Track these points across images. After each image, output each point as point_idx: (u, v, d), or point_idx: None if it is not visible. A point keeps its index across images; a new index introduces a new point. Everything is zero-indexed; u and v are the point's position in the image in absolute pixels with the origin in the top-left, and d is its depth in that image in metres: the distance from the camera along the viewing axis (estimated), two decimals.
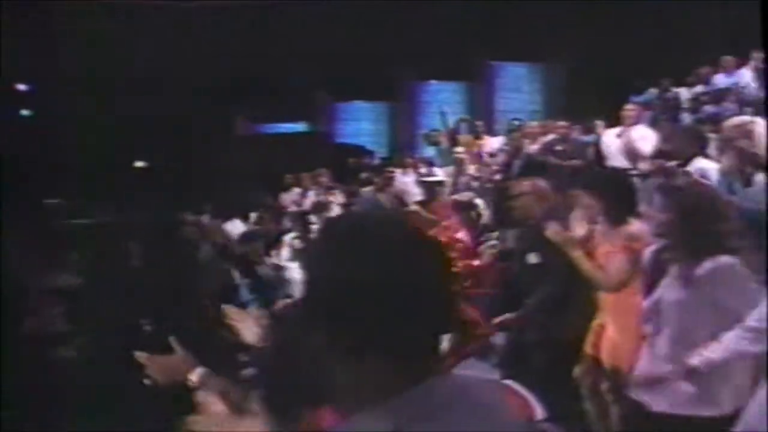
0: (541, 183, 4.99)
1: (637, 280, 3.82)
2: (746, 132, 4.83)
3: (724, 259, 3.04)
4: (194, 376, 2.13)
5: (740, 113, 9.82)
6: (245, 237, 7.05)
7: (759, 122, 4.83)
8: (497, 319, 4.71)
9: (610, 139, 8.12)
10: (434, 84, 16.78)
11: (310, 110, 16.77)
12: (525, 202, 4.87)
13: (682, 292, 3.17)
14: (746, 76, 11.42)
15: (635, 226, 3.98)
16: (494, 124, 15.80)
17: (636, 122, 7.95)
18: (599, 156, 8.22)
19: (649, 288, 3.54)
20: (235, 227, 9.11)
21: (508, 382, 4.23)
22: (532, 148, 8.87)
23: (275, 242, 7.38)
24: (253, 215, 9.21)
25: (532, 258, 4.58)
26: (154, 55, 14.33)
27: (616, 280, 3.86)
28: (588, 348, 4.15)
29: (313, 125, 16.79)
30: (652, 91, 12.78)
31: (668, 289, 3.28)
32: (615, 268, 3.88)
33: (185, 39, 14.42)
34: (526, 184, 5.00)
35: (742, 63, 11.97)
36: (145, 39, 14.41)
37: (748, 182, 4.72)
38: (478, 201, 7.10)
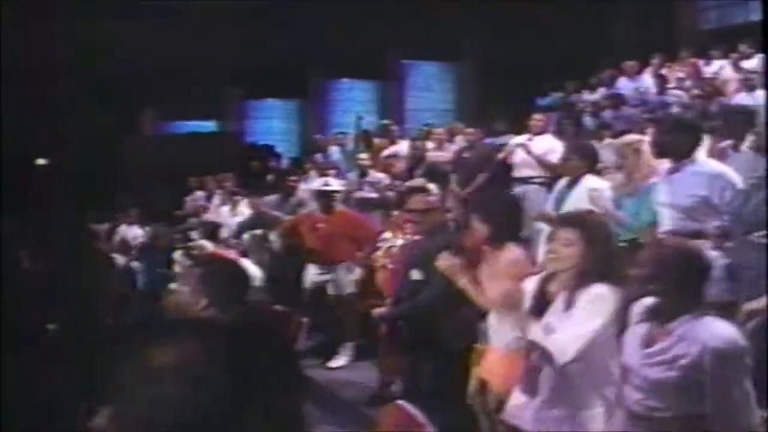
0: (433, 199, 5.04)
1: (521, 305, 3.89)
2: (636, 150, 4.97)
3: (600, 288, 3.12)
4: None
5: (640, 118, 10.11)
6: (141, 250, 6.89)
7: (644, 140, 5.00)
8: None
9: (520, 148, 8.15)
10: (346, 82, 16.74)
11: (220, 108, 16.49)
12: (417, 218, 4.92)
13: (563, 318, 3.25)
14: (647, 81, 11.75)
15: (516, 251, 4.07)
16: (405, 123, 15.93)
17: (542, 131, 8.04)
18: (507, 165, 8.26)
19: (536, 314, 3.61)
20: (133, 233, 8.96)
21: (400, 402, 4.27)
22: (438, 155, 8.91)
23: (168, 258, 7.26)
24: (147, 229, 9.00)
25: (416, 274, 4.64)
26: (55, 46, 13.83)
27: (498, 306, 3.92)
28: (475, 367, 4.22)
29: (222, 123, 16.53)
30: (557, 95, 13.03)
31: (552, 317, 3.34)
32: (496, 293, 3.94)
33: (90, 30, 13.95)
34: (417, 200, 5.04)
35: (644, 67, 12.35)
36: (47, 29, 13.89)
37: (633, 196, 4.92)
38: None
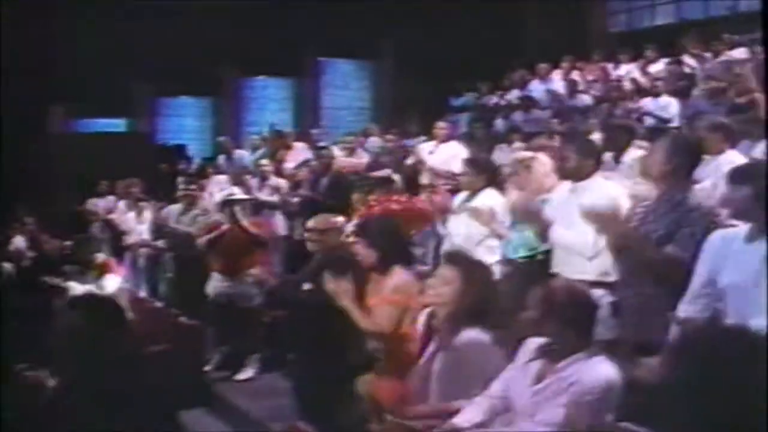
0: (338, 220, 5.02)
1: (409, 330, 3.89)
2: (527, 167, 4.98)
3: (474, 333, 3.13)
4: None
5: (550, 121, 10.25)
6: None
7: (540, 158, 4.99)
8: None
9: (424, 156, 8.17)
10: (261, 80, 16.51)
11: (131, 105, 16.04)
12: (314, 237, 4.89)
13: (442, 356, 3.25)
14: (558, 84, 11.91)
15: (402, 276, 4.05)
16: (321, 121, 15.84)
17: (447, 139, 8.06)
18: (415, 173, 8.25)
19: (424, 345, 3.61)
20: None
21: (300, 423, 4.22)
22: (349, 161, 8.83)
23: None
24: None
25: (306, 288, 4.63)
26: None
27: (381, 331, 3.92)
28: (366, 389, 4.19)
29: (133, 121, 16.10)
30: (471, 95, 13.12)
31: (433, 352, 3.35)
32: (381, 318, 3.94)
33: None
34: (319, 219, 5.00)
35: (555, 69, 12.53)
36: None
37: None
38: None
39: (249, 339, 6.78)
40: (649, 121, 9.68)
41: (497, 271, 4.54)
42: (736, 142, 6.01)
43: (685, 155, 3.78)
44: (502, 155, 9.47)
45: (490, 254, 4.91)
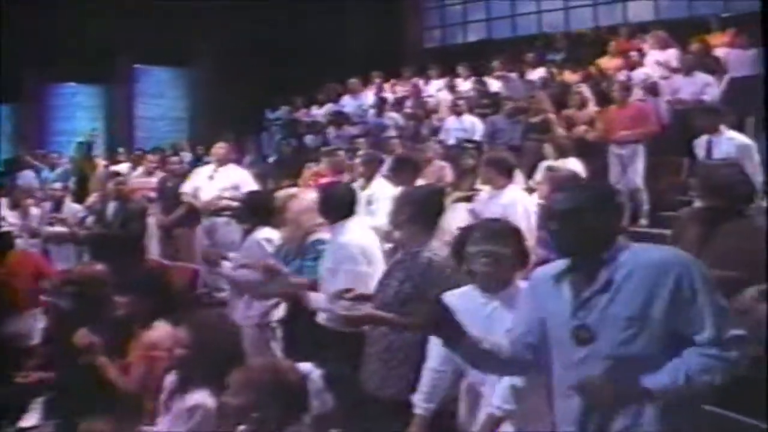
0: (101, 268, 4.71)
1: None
2: (284, 205, 4.83)
3: (200, 396, 3.01)
4: None
5: (360, 137, 10.24)
6: None
7: (308, 194, 4.88)
8: None
9: (202, 181, 7.83)
10: (70, 86, 15.64)
11: None
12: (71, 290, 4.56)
13: (167, 420, 3.12)
14: (370, 100, 11.95)
15: (161, 331, 3.85)
16: (135, 131, 15.24)
17: (227, 161, 7.77)
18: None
19: None
20: None
21: None
22: (145, 182, 8.41)
23: None
24: None
25: None
26: None
27: (132, 388, 3.74)
28: None
29: None
30: (286, 108, 12.99)
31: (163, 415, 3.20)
32: (133, 375, 3.75)
33: None
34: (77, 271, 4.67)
35: (367, 84, 12.59)
36: None
37: (301, 251, 4.70)
38: None
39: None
40: (452, 139, 9.88)
41: None
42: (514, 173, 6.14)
43: (420, 207, 3.69)
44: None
45: None
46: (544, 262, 4.76)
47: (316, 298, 4.31)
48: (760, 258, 3.36)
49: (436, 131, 10.35)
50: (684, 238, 3.82)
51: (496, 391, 2.96)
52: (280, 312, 4.96)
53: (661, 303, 2.30)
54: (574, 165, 7.56)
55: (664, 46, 10.23)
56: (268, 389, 2.56)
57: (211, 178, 7.56)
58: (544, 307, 2.56)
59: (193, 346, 3.13)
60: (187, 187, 7.84)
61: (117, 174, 8.24)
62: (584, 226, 2.42)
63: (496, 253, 3.00)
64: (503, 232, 3.12)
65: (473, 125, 10.03)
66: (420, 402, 3.20)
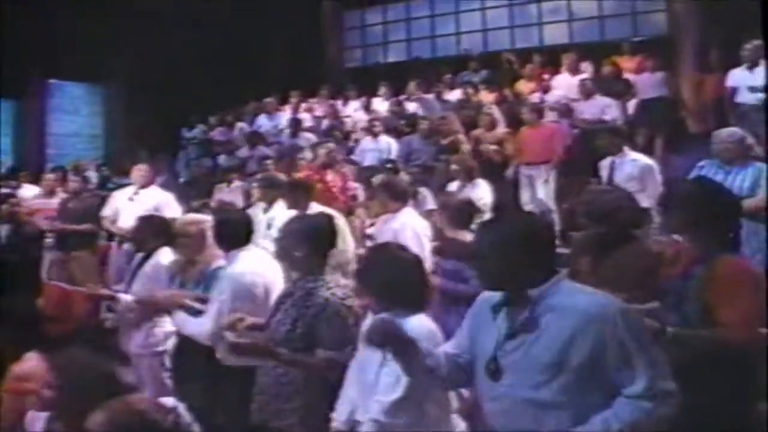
0: None
1: None
2: (199, 230, 4.67)
3: None
4: None
5: (272, 157, 10.07)
6: None
7: (207, 221, 4.70)
8: None
9: (122, 203, 7.58)
10: None
11: None
12: None
13: None
14: (285, 119, 11.81)
15: (31, 363, 3.65)
16: (48, 149, 14.79)
17: (148, 183, 7.57)
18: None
19: None
20: None
21: None
22: (44, 203, 8.07)
23: None
24: None
25: None
26: None
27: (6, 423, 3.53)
28: None
29: None
30: (203, 127, 12.77)
31: None
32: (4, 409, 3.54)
33: None
34: None
35: (284, 103, 12.46)
36: None
37: (200, 279, 4.50)
38: None
39: None
40: (367, 160, 9.83)
41: None
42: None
43: (308, 236, 3.57)
44: (222, 196, 9.26)
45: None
46: (444, 291, 4.81)
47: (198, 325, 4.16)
48: (649, 280, 3.34)
49: (351, 152, 10.28)
50: (577, 266, 3.80)
51: (374, 405, 2.90)
52: (172, 342, 4.80)
53: (581, 351, 2.24)
54: (482, 186, 7.62)
55: (575, 69, 10.39)
56: (129, 429, 2.41)
57: (131, 200, 7.32)
58: (477, 333, 2.52)
59: (59, 387, 2.94)
60: (107, 211, 7.60)
61: (10, 195, 7.91)
62: (508, 262, 2.35)
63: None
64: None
65: (389, 146, 9.99)
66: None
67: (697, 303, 2.92)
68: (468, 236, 4.89)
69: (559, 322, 2.28)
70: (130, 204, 7.40)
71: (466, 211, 5.25)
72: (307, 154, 9.51)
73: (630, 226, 3.82)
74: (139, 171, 7.55)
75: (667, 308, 3.03)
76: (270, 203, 6.45)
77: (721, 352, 2.84)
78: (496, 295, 2.47)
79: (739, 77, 8.04)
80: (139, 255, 5.20)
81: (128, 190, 7.59)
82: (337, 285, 3.49)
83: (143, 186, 7.48)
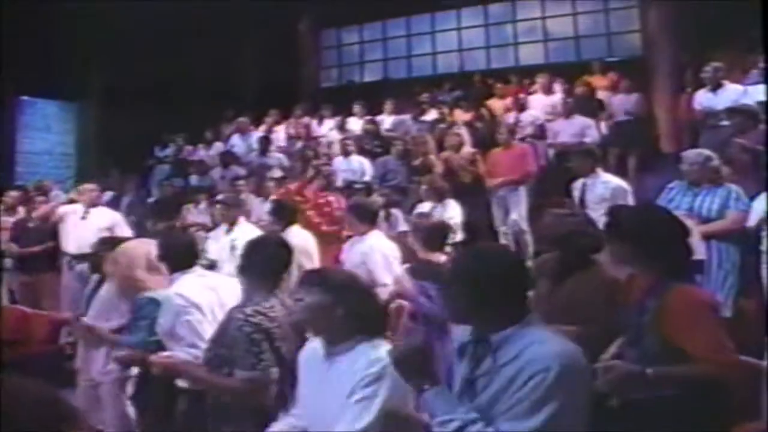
0: None
1: None
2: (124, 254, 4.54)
3: None
4: None
5: (242, 179, 9.92)
6: None
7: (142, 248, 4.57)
8: None
9: (75, 222, 7.47)
10: None
11: None
12: None
13: None
14: (255, 138, 11.67)
15: None
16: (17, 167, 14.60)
17: (97, 203, 7.44)
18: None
19: None
20: None
21: None
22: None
23: None
24: None
25: None
26: None
27: None
28: None
29: None
30: (174, 146, 12.64)
31: None
32: None
33: None
34: None
35: (258, 124, 12.35)
36: None
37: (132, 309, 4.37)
38: None
39: None
40: (340, 180, 9.72)
41: None
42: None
43: (259, 258, 3.49)
44: (192, 217, 9.14)
45: None
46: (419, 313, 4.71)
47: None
48: (603, 311, 3.31)
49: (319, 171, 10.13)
50: (536, 293, 3.73)
51: None
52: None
53: (540, 416, 2.11)
54: (452, 207, 7.56)
55: (549, 89, 10.39)
56: None
57: (83, 218, 7.18)
58: (451, 371, 2.42)
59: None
60: (62, 230, 7.47)
61: None
62: (475, 299, 2.24)
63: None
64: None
65: (362, 166, 9.88)
66: None
67: (654, 337, 2.83)
68: (441, 257, 4.88)
69: (520, 377, 2.15)
70: (83, 223, 7.27)
71: (439, 232, 5.20)
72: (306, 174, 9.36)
73: (588, 251, 3.72)
74: (88, 191, 7.40)
75: (627, 343, 2.97)
76: (231, 224, 6.35)
77: (704, 386, 2.76)
78: (466, 333, 2.35)
79: (703, 98, 8.07)
80: (95, 277, 5.08)
81: (78, 210, 7.43)
82: (272, 308, 3.34)
83: (92, 206, 7.33)
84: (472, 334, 2.31)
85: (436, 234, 5.14)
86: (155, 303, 4.01)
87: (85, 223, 7.10)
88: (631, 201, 6.58)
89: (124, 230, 7.13)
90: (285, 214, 6.27)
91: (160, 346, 3.88)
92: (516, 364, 2.17)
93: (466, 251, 2.55)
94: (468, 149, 8.86)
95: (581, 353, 2.24)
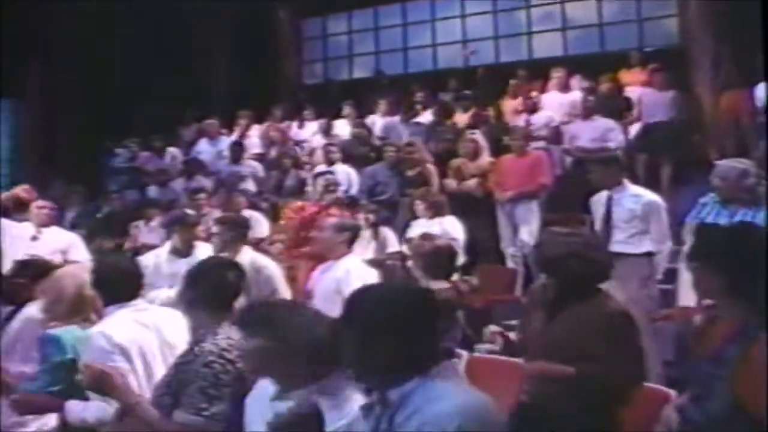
0: None
1: None
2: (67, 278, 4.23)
3: None
4: None
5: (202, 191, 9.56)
6: None
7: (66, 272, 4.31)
8: None
9: (23, 242, 7.12)
10: None
11: None
12: None
13: None
14: (225, 144, 11.40)
15: None
16: None
17: (49, 223, 7.14)
18: None
19: None
20: None
21: None
22: None
23: None
24: None
25: None
26: None
27: None
28: None
29: None
30: (126, 154, 12.35)
31: None
32: None
33: None
34: None
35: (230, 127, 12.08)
36: None
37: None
38: None
39: None
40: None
41: None
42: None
43: (203, 285, 3.32)
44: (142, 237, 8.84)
45: None
46: None
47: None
48: (605, 350, 3.24)
49: (303, 183, 9.85)
50: (529, 325, 3.63)
51: None
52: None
53: None
54: (452, 224, 7.27)
55: (566, 86, 10.09)
56: None
57: (34, 239, 6.86)
58: None
59: None
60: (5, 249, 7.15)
61: None
62: (366, 344, 2.16)
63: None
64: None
65: (348, 176, 9.58)
66: None
67: (726, 396, 2.58)
68: (446, 286, 4.80)
69: None
70: (33, 244, 6.95)
71: (445, 257, 5.05)
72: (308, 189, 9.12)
73: (590, 279, 3.50)
74: (40, 209, 7.08)
75: (691, 399, 2.78)
76: (186, 245, 5.98)
77: None
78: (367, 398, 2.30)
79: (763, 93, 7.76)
80: (9, 307, 4.76)
81: (27, 229, 7.10)
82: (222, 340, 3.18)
83: (44, 225, 7.00)
84: (374, 390, 2.25)
85: (440, 259, 5.02)
86: (55, 342, 3.77)
87: (36, 245, 6.75)
88: (665, 219, 6.20)
89: (82, 253, 6.87)
90: (237, 231, 5.92)
91: (67, 395, 3.64)
92: (411, 424, 2.11)
93: (360, 290, 2.40)
94: (486, 158, 8.57)
95: (490, 406, 2.16)
